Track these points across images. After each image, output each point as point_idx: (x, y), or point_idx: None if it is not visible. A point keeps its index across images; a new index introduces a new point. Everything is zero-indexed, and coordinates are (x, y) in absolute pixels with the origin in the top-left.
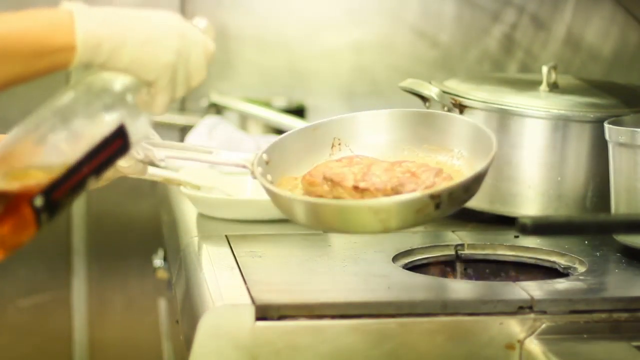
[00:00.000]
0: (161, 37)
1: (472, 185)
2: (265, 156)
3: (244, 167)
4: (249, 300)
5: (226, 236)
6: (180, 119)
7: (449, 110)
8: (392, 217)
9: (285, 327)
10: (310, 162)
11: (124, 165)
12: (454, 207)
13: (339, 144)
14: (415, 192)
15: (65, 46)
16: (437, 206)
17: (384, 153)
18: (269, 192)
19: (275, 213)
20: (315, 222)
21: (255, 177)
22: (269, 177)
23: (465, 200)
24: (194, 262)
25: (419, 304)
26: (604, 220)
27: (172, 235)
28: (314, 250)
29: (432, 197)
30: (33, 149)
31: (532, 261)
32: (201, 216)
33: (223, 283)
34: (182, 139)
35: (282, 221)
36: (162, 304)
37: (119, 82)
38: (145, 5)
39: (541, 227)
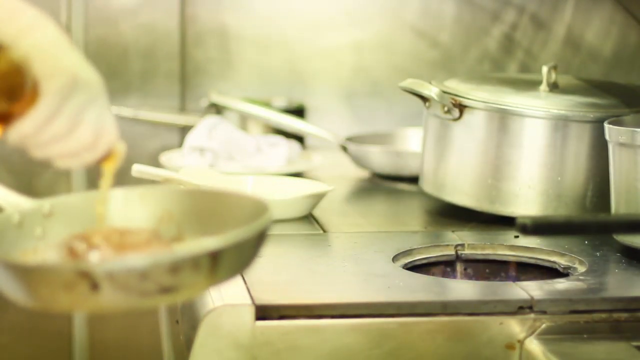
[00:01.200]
0: (80, 55)
1: (179, 266)
2: (47, 207)
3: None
4: (249, 300)
5: None
6: (180, 119)
7: (449, 110)
8: (39, 287)
9: (285, 327)
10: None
11: None
12: (148, 296)
13: (169, 218)
14: (55, 261)
15: None
16: (95, 287)
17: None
18: None
19: (276, 213)
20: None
21: None
22: (38, 229)
23: (168, 288)
24: None
25: (419, 304)
26: (604, 220)
27: None
28: (314, 250)
29: (82, 273)
30: None
31: (532, 261)
32: None
33: None
34: (182, 139)
35: (281, 221)
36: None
37: None
38: (144, 6)
39: (541, 227)
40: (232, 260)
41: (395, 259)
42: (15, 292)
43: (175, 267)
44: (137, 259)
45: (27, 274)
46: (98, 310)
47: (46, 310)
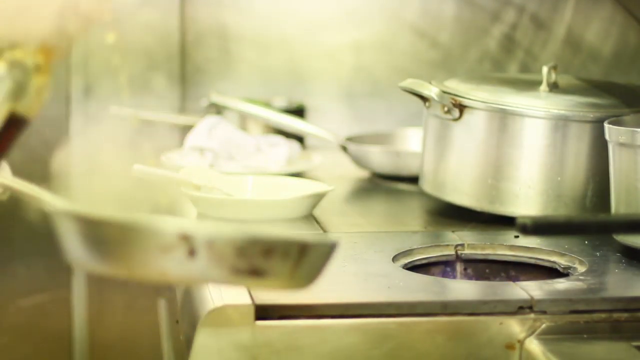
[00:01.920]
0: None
1: (273, 248)
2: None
3: None
4: (249, 300)
5: None
6: (180, 119)
7: (449, 110)
8: (133, 247)
9: (285, 327)
10: None
11: None
12: (232, 274)
13: None
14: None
15: None
16: (191, 253)
17: None
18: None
19: (276, 213)
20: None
21: None
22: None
23: (261, 271)
24: None
25: (419, 304)
26: (604, 220)
27: None
28: None
29: (184, 236)
30: None
31: (532, 261)
32: (201, 216)
33: None
34: (182, 139)
35: (282, 221)
36: (162, 304)
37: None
38: (144, 6)
39: (541, 227)
40: (312, 262)
41: (395, 259)
42: (101, 254)
43: (269, 249)
44: (238, 232)
45: (123, 231)
46: (184, 280)
47: (129, 275)
